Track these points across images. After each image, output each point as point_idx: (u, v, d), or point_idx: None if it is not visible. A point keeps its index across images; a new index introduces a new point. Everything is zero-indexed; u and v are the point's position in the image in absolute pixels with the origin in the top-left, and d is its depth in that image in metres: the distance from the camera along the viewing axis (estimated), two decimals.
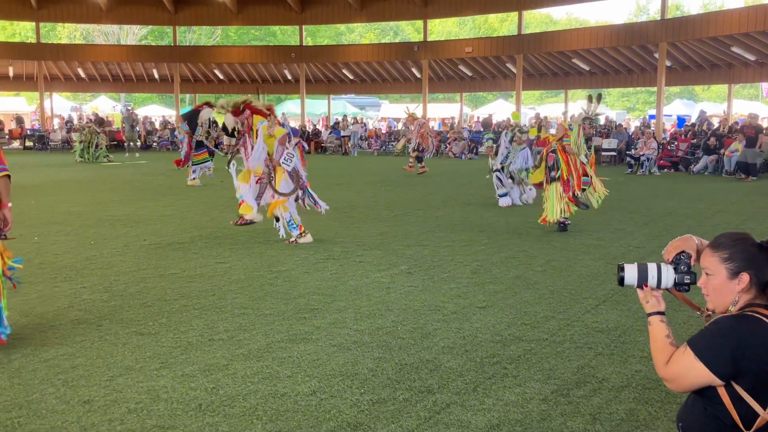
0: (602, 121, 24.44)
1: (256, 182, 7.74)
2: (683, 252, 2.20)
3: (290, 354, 4.15)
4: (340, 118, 30.17)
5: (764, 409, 1.99)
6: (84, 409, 3.37)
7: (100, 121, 23.59)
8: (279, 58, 31.64)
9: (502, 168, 11.48)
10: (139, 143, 27.31)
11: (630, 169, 18.85)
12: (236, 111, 7.63)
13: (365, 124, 31.98)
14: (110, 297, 5.49)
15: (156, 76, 32.90)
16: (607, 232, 8.70)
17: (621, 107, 48.97)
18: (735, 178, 16.83)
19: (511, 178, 11.58)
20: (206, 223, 9.23)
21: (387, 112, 41.59)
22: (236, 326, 4.70)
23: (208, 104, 13.55)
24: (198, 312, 5.05)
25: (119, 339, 4.44)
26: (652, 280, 2.19)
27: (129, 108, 33.82)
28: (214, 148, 14.65)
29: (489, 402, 3.47)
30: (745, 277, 2.07)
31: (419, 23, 34.41)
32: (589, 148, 8.90)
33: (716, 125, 21.62)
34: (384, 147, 27.85)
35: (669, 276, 2.18)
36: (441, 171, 18.31)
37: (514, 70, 26.96)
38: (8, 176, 4.31)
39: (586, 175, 8.63)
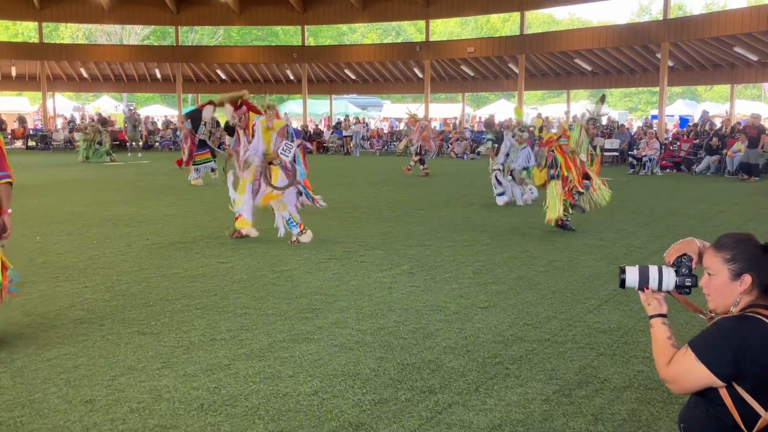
0: (605, 122, 24.42)
1: (252, 191, 7.72)
2: (684, 254, 2.20)
3: (292, 354, 4.15)
4: (342, 118, 30.17)
5: (766, 410, 1.99)
6: (86, 409, 3.37)
7: (104, 121, 23.60)
8: (281, 58, 31.65)
9: (503, 168, 11.48)
10: (141, 143, 27.34)
11: (632, 170, 18.84)
12: (234, 105, 7.64)
13: (367, 124, 31.97)
14: (112, 296, 5.50)
15: (158, 76, 32.93)
16: (609, 232, 8.69)
17: (623, 107, 48.94)
18: (737, 178, 16.80)
19: (512, 177, 11.57)
20: (208, 223, 9.23)
21: (389, 112, 41.57)
22: (238, 326, 4.70)
23: (212, 103, 13.54)
24: (200, 312, 5.05)
25: (121, 338, 4.44)
26: (653, 282, 2.19)
27: (131, 108, 33.85)
28: (216, 149, 14.66)
29: (491, 402, 3.47)
30: (747, 279, 2.07)
31: (421, 23, 34.48)
32: (594, 148, 8.90)
33: (719, 125, 21.59)
34: (386, 147, 27.85)
35: (670, 278, 2.18)
36: (443, 171, 18.30)
37: (517, 71, 26.94)
38: (10, 183, 4.31)
39: (586, 177, 8.63)
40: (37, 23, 31.63)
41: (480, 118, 34.06)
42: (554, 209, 8.56)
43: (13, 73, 31.71)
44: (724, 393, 2.03)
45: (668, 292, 2.21)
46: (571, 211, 8.62)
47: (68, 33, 47.60)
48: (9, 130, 29.53)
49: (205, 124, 14.61)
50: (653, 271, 2.18)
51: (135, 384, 3.68)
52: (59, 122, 32.78)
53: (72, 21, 35.39)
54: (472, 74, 30.19)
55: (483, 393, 3.59)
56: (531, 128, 11.55)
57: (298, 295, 5.54)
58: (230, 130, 8.09)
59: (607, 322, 4.85)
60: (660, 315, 2.19)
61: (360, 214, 10.25)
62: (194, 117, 14.80)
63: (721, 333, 2.04)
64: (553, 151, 8.69)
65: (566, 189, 8.55)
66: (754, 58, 22.17)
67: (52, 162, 21.25)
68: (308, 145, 24.90)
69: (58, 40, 44.83)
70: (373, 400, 3.49)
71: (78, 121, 30.03)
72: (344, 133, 27.52)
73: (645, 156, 18.75)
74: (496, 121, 25.42)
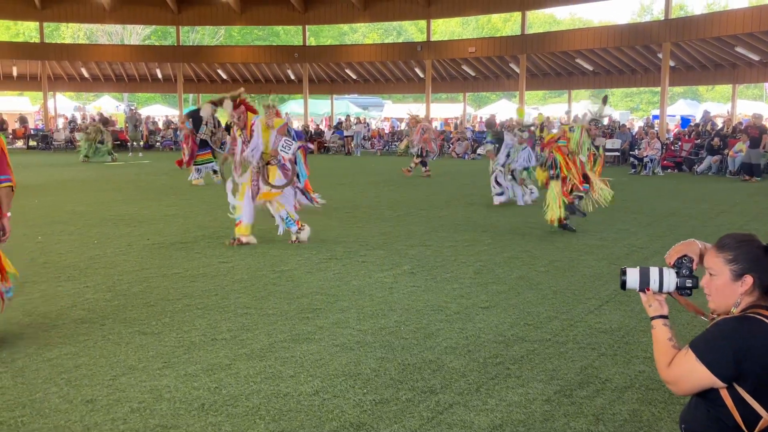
0: (606, 122, 24.42)
1: (252, 194, 7.70)
2: (685, 256, 2.19)
3: (293, 354, 4.15)
4: (343, 118, 30.17)
5: (766, 410, 1.99)
6: (87, 409, 3.37)
7: (105, 121, 23.63)
8: (282, 58, 31.67)
9: (503, 168, 11.46)
10: (142, 143, 27.35)
11: (633, 170, 18.83)
12: (233, 104, 7.63)
13: (368, 124, 31.97)
14: (113, 296, 5.50)
15: (159, 75, 32.95)
16: (610, 232, 8.68)
17: (624, 107, 48.92)
18: (739, 178, 16.79)
19: (513, 177, 11.57)
20: (209, 223, 9.23)
21: (390, 112, 41.58)
22: (239, 326, 4.70)
23: (212, 103, 13.52)
24: (201, 312, 5.05)
25: (122, 338, 4.44)
26: (654, 284, 2.18)
27: (132, 108, 33.88)
28: (218, 149, 14.64)
29: (492, 402, 3.47)
30: (748, 280, 2.06)
31: (422, 23, 34.47)
32: (597, 148, 8.90)
33: (720, 125, 21.58)
34: (387, 147, 27.86)
35: (671, 280, 2.17)
36: (444, 171, 18.30)
37: (518, 70, 26.94)
38: (11, 187, 4.32)
39: (585, 179, 8.62)
40: (38, 23, 31.68)
41: (481, 118, 34.03)
42: (554, 209, 8.58)
43: (14, 73, 31.74)
44: (725, 394, 2.03)
45: (669, 293, 2.21)
46: (566, 213, 8.61)
47: (69, 33, 47.63)
48: (10, 130, 29.55)
49: (206, 124, 14.60)
50: (654, 272, 2.18)
51: (136, 384, 3.68)
52: (60, 122, 32.81)
53: (73, 21, 35.42)
54: (473, 74, 30.19)
55: (484, 393, 3.58)
56: (532, 127, 11.55)
57: (299, 295, 5.54)
58: (231, 130, 8.09)
59: (608, 322, 4.85)
60: (661, 316, 2.19)
61: (361, 214, 10.25)
62: (195, 117, 14.83)
63: (722, 334, 2.04)
64: (552, 151, 8.72)
65: (565, 189, 8.56)
66: (755, 58, 22.16)
67: (53, 162, 21.27)
68: (309, 145, 24.91)
69: (59, 40, 44.86)
70: (374, 400, 3.49)
71: (79, 121, 30.05)
72: (345, 133, 27.53)
73: (646, 156, 18.74)
74: (497, 121, 25.39)
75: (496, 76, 29.96)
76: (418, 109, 24.11)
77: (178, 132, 24.75)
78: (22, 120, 31.07)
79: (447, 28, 55.27)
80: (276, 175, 7.66)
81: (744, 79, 25.30)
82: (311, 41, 38.10)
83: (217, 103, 8.06)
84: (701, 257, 2.19)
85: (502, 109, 35.39)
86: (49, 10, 29.48)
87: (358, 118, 30.97)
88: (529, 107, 32.44)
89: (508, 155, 11.48)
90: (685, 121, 30.02)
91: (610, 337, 4.52)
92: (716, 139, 18.77)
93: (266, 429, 3.17)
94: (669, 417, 3.32)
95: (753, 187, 15.08)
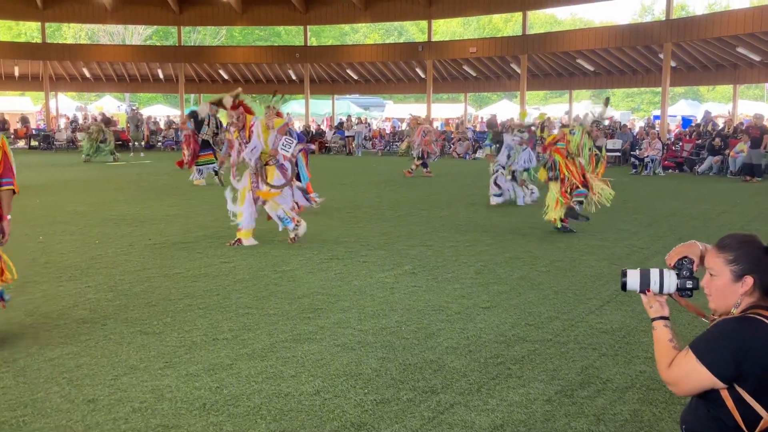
0: (607, 122, 24.41)
1: (252, 198, 7.71)
2: (686, 257, 2.20)
3: (294, 354, 4.15)
4: (344, 119, 30.19)
5: (767, 411, 1.99)
6: (88, 408, 3.38)
7: (107, 121, 23.66)
8: (283, 58, 31.68)
9: (504, 169, 11.46)
10: (143, 143, 27.37)
11: (634, 170, 18.83)
12: (232, 105, 7.64)
13: (369, 125, 31.99)
14: (115, 296, 5.51)
15: (161, 76, 32.97)
16: (611, 232, 8.68)
17: (625, 108, 48.88)
18: (740, 179, 16.78)
19: (514, 178, 11.56)
20: (211, 223, 9.24)
21: (391, 112, 41.59)
22: (240, 326, 4.71)
23: (213, 104, 13.51)
24: (202, 311, 5.06)
25: (124, 338, 4.45)
26: (654, 285, 2.19)
27: (134, 108, 33.91)
28: (220, 150, 14.63)
29: (493, 402, 3.47)
30: (749, 281, 2.06)
31: (423, 23, 34.45)
32: (599, 149, 8.89)
33: (721, 126, 21.56)
34: (388, 147, 27.86)
35: (671, 281, 2.18)
36: (445, 171, 18.30)
37: (519, 71, 26.94)
38: (13, 191, 4.35)
39: (585, 185, 8.61)
40: (40, 23, 31.72)
41: (482, 118, 34.07)
42: (553, 211, 8.61)
43: (16, 73, 31.79)
44: (725, 394, 2.03)
45: (670, 295, 2.21)
46: (568, 217, 8.62)
47: (71, 33, 47.67)
48: (12, 130, 29.59)
49: (208, 125, 14.62)
50: (654, 273, 2.18)
51: (137, 383, 3.68)
52: (62, 122, 32.84)
53: (75, 21, 35.46)
54: (474, 74, 30.19)
55: (485, 393, 3.59)
56: (532, 127, 11.54)
57: (300, 295, 5.55)
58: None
59: (609, 322, 4.85)
60: (662, 318, 2.19)
61: (362, 214, 10.25)
62: (197, 117, 14.84)
63: (722, 334, 2.04)
64: (552, 153, 8.76)
65: (563, 190, 8.56)
66: (756, 58, 22.14)
67: (55, 162, 21.29)
68: (311, 146, 24.91)
69: (60, 40, 44.89)
70: (375, 400, 3.49)
71: (81, 121, 30.08)
72: (346, 134, 27.54)
73: (647, 156, 18.73)
74: (499, 121, 25.37)
75: (497, 77, 29.96)
76: (419, 109, 24.14)
77: (179, 132, 24.78)
78: (24, 120, 31.11)
79: (448, 29, 55.26)
80: (274, 175, 7.67)
81: (745, 79, 25.29)
82: (312, 41, 38.13)
83: (218, 104, 8.06)
84: (702, 259, 2.19)
85: (503, 109, 35.40)
86: (51, 11, 29.52)
87: (359, 119, 30.99)
88: (531, 107, 32.48)
89: (508, 156, 11.47)
90: (686, 121, 30.01)
91: (611, 337, 4.53)
92: (717, 140, 18.75)
93: (267, 429, 3.18)
94: (670, 417, 3.32)
95: (754, 187, 15.07)
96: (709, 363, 2.01)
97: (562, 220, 8.61)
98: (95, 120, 24.43)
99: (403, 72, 31.00)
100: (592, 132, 8.80)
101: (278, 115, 8.37)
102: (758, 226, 9.26)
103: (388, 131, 31.04)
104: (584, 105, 37.66)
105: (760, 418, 1.99)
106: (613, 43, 24.39)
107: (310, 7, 29.43)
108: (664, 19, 23.61)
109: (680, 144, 20.78)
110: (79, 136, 25.24)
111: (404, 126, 29.56)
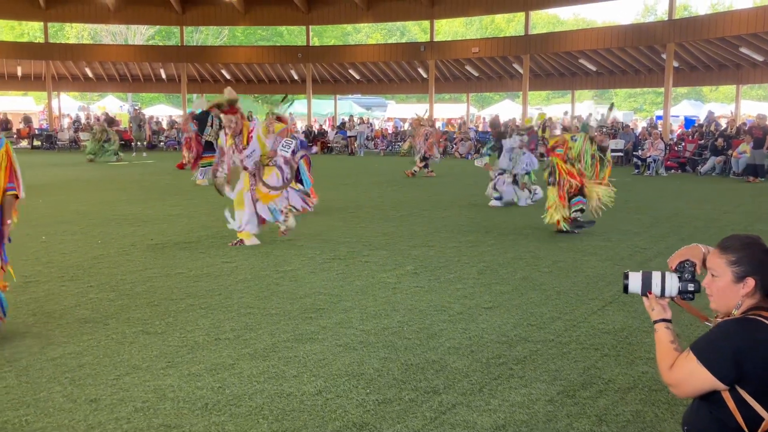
0: (609, 123, 24.41)
1: (252, 200, 7.71)
2: (687, 260, 2.19)
3: (296, 354, 4.15)
4: (346, 119, 30.20)
5: None
6: (91, 408, 3.38)
7: (110, 121, 23.70)
8: (286, 58, 31.70)
9: (504, 173, 11.44)
10: (145, 143, 27.41)
11: (637, 170, 18.80)
12: (232, 109, 7.64)
13: (371, 125, 32.00)
14: (117, 296, 5.51)
15: (163, 76, 33.00)
16: (613, 233, 8.67)
17: (628, 108, 48.79)
18: (743, 179, 16.75)
19: (515, 181, 11.53)
20: (213, 223, 9.25)
21: (393, 112, 41.60)
22: (242, 326, 4.71)
23: (215, 104, 13.52)
24: (204, 311, 5.06)
25: (126, 338, 4.45)
26: (656, 288, 2.18)
27: (136, 108, 33.95)
28: None
29: (495, 403, 3.47)
30: (750, 282, 2.06)
31: (426, 23, 34.41)
32: (604, 152, 8.87)
33: (724, 126, 21.52)
34: (390, 147, 27.86)
35: (673, 284, 2.17)
36: (447, 171, 18.29)
37: (521, 71, 26.92)
38: (16, 196, 4.37)
39: (582, 194, 8.59)
40: (42, 23, 31.74)
41: (484, 118, 34.04)
42: (553, 214, 8.63)
43: (19, 73, 31.84)
44: (726, 395, 2.03)
45: (671, 298, 2.21)
46: (573, 228, 8.62)
47: (73, 33, 47.71)
48: (14, 130, 29.65)
49: (211, 126, 14.63)
50: (656, 276, 2.18)
51: (139, 383, 3.69)
52: (64, 122, 32.88)
53: (77, 21, 35.53)
54: (476, 74, 30.18)
55: (487, 393, 3.58)
56: (534, 127, 11.53)
57: (302, 295, 5.55)
58: None
59: (612, 323, 4.84)
60: (663, 320, 2.19)
61: (364, 214, 10.25)
62: (200, 118, 14.86)
63: (723, 335, 2.04)
64: (551, 157, 8.81)
65: (562, 193, 8.56)
66: (759, 58, 22.11)
67: (57, 162, 21.32)
68: (314, 149, 24.92)
69: (63, 40, 44.93)
70: (376, 400, 3.49)
71: (83, 121, 30.12)
72: (348, 134, 27.55)
73: (650, 157, 18.71)
74: (501, 121, 25.32)
75: (499, 77, 29.95)
76: (422, 110, 24.14)
77: (180, 132, 24.81)
78: (27, 120, 31.16)
79: (450, 29, 55.23)
80: (271, 175, 7.68)
81: (748, 79, 25.24)
82: (314, 41, 38.17)
83: (218, 107, 8.04)
84: (704, 261, 2.19)
85: (505, 109, 35.39)
86: (54, 10, 29.57)
87: (361, 119, 30.99)
88: (533, 107, 32.45)
89: (510, 159, 11.44)
90: (688, 121, 29.98)
91: (613, 337, 4.52)
92: (720, 140, 18.72)
93: (269, 428, 3.18)
94: (672, 418, 3.32)
95: (757, 187, 15.04)
96: (709, 364, 2.01)
97: (567, 220, 8.60)
98: (98, 120, 24.47)
99: (405, 72, 31.01)
100: (596, 137, 8.80)
101: (279, 120, 8.37)
102: (761, 227, 9.25)
103: (390, 131, 31.03)
104: (587, 105, 37.64)
105: (761, 419, 1.99)
106: (616, 43, 24.37)
107: (312, 7, 29.44)
108: (666, 19, 23.58)
109: (683, 144, 20.76)
110: (83, 136, 25.29)
111: (407, 126, 29.56)
